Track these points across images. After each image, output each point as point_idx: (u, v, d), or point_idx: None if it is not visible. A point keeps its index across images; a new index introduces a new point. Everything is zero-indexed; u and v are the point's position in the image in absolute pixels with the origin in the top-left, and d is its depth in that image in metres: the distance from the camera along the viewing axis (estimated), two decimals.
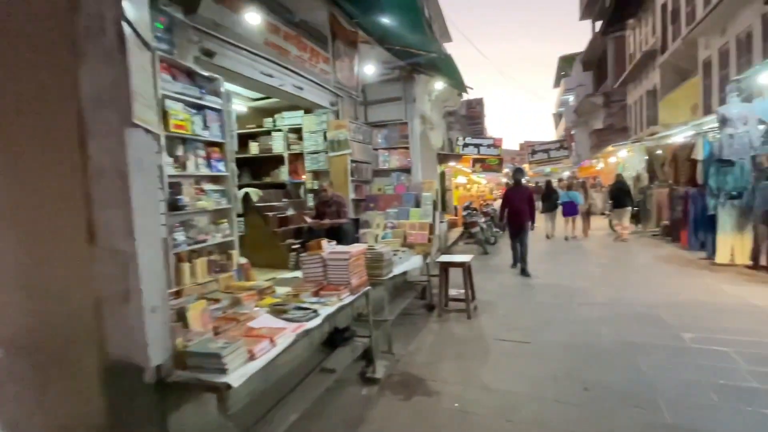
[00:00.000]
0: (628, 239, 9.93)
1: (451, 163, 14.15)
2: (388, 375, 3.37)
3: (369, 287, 3.29)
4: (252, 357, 1.93)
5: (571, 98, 36.26)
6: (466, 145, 13.94)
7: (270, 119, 6.20)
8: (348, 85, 5.10)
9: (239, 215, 5.58)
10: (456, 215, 13.98)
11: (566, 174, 30.74)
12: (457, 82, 7.24)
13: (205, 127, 3.04)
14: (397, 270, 4.06)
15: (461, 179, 17.08)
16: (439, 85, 11.79)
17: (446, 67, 5.66)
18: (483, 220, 9.70)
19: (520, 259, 6.82)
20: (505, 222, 7.10)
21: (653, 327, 4.11)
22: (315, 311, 2.56)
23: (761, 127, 5.84)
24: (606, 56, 27.66)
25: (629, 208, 10.18)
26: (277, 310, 2.59)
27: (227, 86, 3.92)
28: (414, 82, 6.04)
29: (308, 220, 4.60)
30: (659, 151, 10.41)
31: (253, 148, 6.30)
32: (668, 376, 3.08)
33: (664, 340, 3.77)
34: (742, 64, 8.41)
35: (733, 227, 6.16)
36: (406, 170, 5.84)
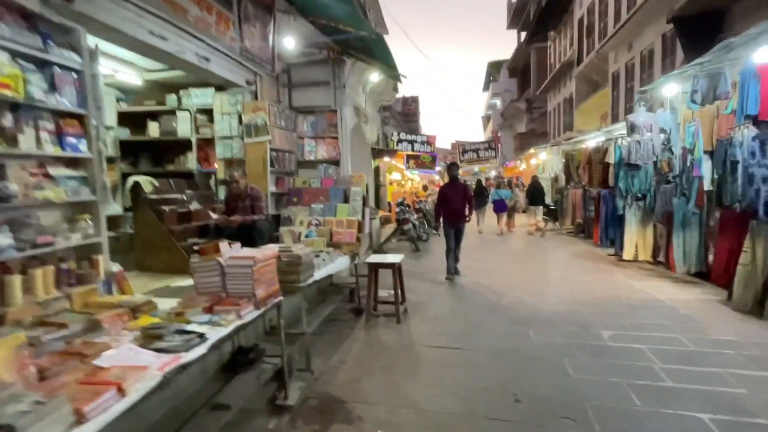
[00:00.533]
0: (542, 234, 10.95)
1: (386, 159, 13.90)
2: (304, 399, 2.89)
3: (281, 297, 2.77)
4: (81, 419, 1.32)
5: (498, 102, 38.52)
6: (400, 141, 13.80)
7: (174, 96, 5.26)
8: (261, 58, 4.42)
9: (127, 209, 4.65)
10: (390, 211, 13.84)
11: (493, 173, 32.61)
12: (390, 69, 6.88)
13: (51, 90, 2.24)
14: (319, 274, 3.58)
15: (396, 175, 17.03)
16: (374, 77, 11.44)
17: (379, 51, 5.26)
18: (415, 216, 9.58)
19: (453, 258, 6.36)
20: (441, 222, 6.42)
21: (575, 326, 4.15)
22: (201, 335, 1.99)
23: (662, 135, 6.37)
24: (529, 65, 29.74)
25: (541, 207, 11.52)
26: (149, 336, 1.96)
27: (103, 46, 3.09)
28: (344, 66, 5.55)
29: (214, 216, 3.89)
30: (574, 155, 11.21)
31: (153, 130, 5.31)
32: (593, 379, 3.04)
33: (585, 339, 3.80)
34: (645, 78, 9.33)
35: (638, 226, 6.70)
36: (335, 162, 5.33)
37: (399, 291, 4.55)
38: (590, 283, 5.85)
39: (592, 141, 9.61)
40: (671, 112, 6.11)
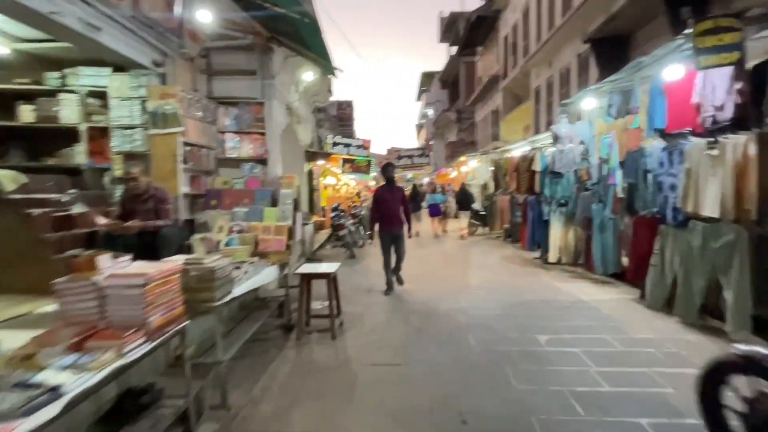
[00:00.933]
0: (467, 238, 11.59)
1: (320, 162, 13.39)
2: None
3: (186, 322, 2.24)
4: None
5: (430, 112, 39.97)
6: (335, 144, 13.41)
7: (56, 74, 4.29)
8: (166, 29, 3.72)
9: None
10: (324, 217, 13.32)
11: (426, 180, 33.63)
12: (324, 62, 6.48)
13: None
14: (240, 289, 3.05)
15: (331, 180, 16.55)
16: (308, 75, 10.94)
17: (312, 39, 4.84)
18: (351, 222, 9.24)
19: (395, 268, 5.80)
20: (376, 230, 5.79)
21: (513, 331, 4.13)
22: (54, 389, 1.42)
23: (581, 146, 6.85)
24: (459, 77, 31.31)
25: (469, 212, 12.40)
26: None
27: None
28: (273, 55, 5.02)
29: (102, 221, 3.14)
30: (502, 163, 11.81)
31: (27, 115, 4.27)
32: (537, 389, 2.95)
33: (524, 345, 3.77)
34: (563, 94, 10.15)
35: (561, 230, 7.11)
36: (262, 161, 4.78)
37: (334, 303, 4.16)
38: (521, 287, 6.01)
39: (518, 150, 10.16)
40: (589, 124, 6.58)
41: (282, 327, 4.29)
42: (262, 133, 4.73)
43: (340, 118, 30.66)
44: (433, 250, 10.04)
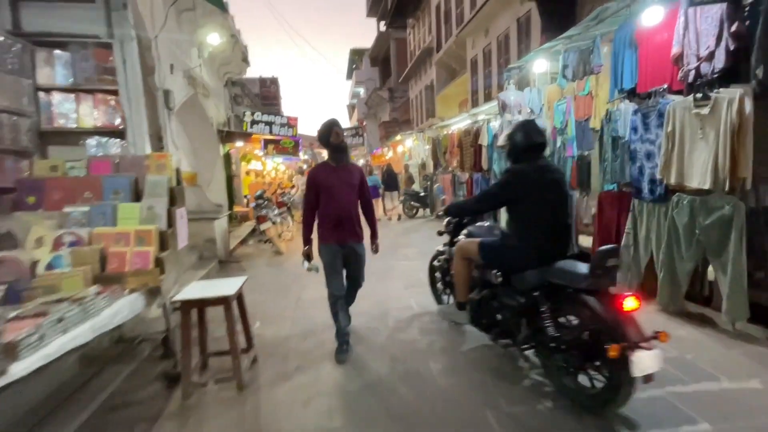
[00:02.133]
0: (389, 218, 11.35)
1: (238, 144, 11.53)
2: None
3: None
4: None
5: (362, 91, 38.49)
6: (255, 123, 11.58)
7: None
8: None
9: None
10: (247, 207, 11.57)
11: (361, 162, 32.50)
12: None
13: None
14: (53, 349, 1.69)
15: (256, 165, 14.61)
16: (213, 38, 9.03)
17: None
18: (277, 212, 7.81)
19: (345, 313, 3.30)
20: (314, 241, 3.29)
21: (484, 337, 3.25)
22: None
23: (531, 115, 6.20)
24: (389, 54, 30.24)
25: (396, 192, 12.47)
26: None
27: None
28: None
29: None
30: (440, 140, 11.07)
31: None
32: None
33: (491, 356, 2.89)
34: (502, 63, 9.56)
35: None
36: (115, 134, 3.21)
37: (243, 331, 2.90)
38: None
39: (458, 125, 9.43)
40: (538, 91, 5.91)
41: (165, 377, 2.92)
42: (113, 92, 3.16)
43: (264, 96, 27.98)
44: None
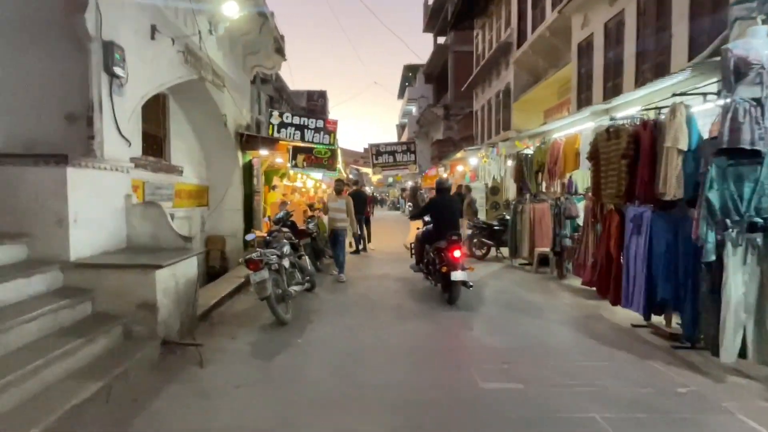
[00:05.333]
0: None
1: (262, 152, 8.98)
2: None
3: None
4: None
5: (414, 109, 36.15)
6: (284, 126, 9.07)
7: None
8: None
9: None
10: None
11: (409, 183, 29.57)
12: None
13: None
14: None
15: (292, 182, 12.08)
16: (228, 7, 6.57)
17: None
18: (286, 249, 4.89)
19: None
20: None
21: None
22: None
23: None
24: (447, 69, 27.71)
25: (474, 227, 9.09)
26: None
27: None
28: None
29: None
30: (532, 155, 7.80)
31: None
32: None
33: None
34: (648, 34, 6.25)
35: (756, 294, 2.99)
36: None
37: None
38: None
39: (575, 127, 6.16)
40: None
41: None
42: None
43: (311, 110, 26.31)
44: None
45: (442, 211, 5.55)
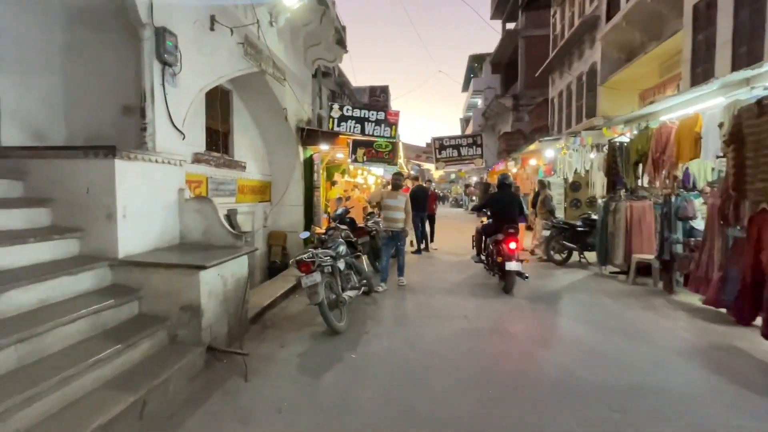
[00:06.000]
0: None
1: (323, 147, 8.79)
2: None
3: None
4: None
5: (479, 101, 34.40)
6: (343, 119, 8.78)
7: None
8: None
9: None
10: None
11: (474, 179, 28.13)
12: None
13: None
14: None
15: (356, 177, 11.86)
16: None
17: None
18: (342, 249, 4.46)
19: None
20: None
21: None
22: None
23: None
24: (516, 58, 25.84)
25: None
26: None
27: None
28: None
29: None
30: (623, 140, 6.53)
31: None
32: None
33: None
34: None
35: None
36: None
37: None
38: None
39: (693, 106, 4.90)
40: None
41: None
42: None
43: (372, 107, 26.22)
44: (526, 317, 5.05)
45: (500, 206, 5.83)
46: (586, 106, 11.71)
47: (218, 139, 6.77)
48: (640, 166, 6.17)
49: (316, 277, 3.61)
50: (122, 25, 3.54)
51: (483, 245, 6.37)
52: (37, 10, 3.60)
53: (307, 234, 4.63)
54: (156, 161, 3.51)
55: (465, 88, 40.33)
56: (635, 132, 6.35)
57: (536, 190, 9.34)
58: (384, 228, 5.88)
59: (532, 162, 13.21)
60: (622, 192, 6.66)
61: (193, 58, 4.12)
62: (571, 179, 9.50)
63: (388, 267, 5.83)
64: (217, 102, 6.62)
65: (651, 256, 5.82)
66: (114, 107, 3.67)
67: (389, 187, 6.37)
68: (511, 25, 27.34)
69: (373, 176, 15.09)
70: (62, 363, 2.27)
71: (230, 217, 7.29)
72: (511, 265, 5.08)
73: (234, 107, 7.15)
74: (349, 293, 4.12)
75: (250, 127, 7.74)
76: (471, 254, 7.03)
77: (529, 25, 22.35)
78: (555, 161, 10.69)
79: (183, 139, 3.98)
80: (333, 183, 10.34)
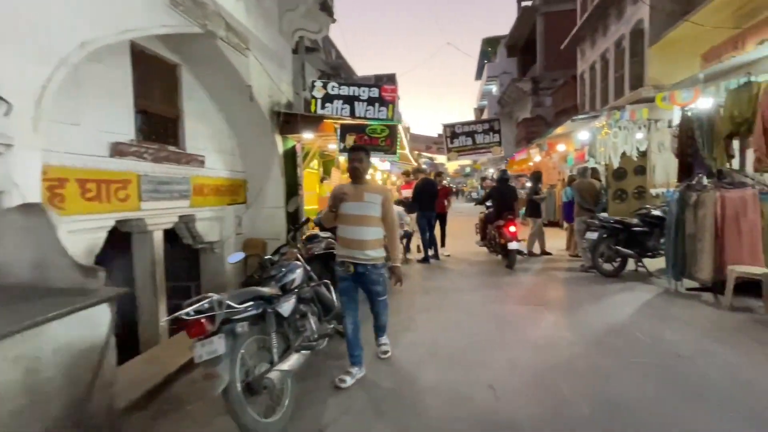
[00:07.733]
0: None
1: (305, 135, 7.08)
2: None
3: None
4: None
5: (494, 88, 32.12)
6: (329, 99, 7.07)
7: None
8: None
9: None
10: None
11: (491, 171, 25.89)
12: None
13: None
14: None
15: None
16: None
17: None
18: (294, 276, 2.77)
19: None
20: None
21: None
22: None
23: None
24: (534, 37, 23.69)
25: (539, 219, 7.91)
26: None
27: None
28: None
29: None
30: (705, 108, 4.60)
31: None
32: None
33: None
34: None
35: None
36: None
37: None
38: None
39: None
40: None
41: None
42: None
43: (364, 84, 24.46)
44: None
45: (500, 198, 7.04)
46: (630, 76, 9.63)
47: (163, 127, 5.20)
48: (738, 139, 4.28)
49: (217, 345, 1.95)
50: None
51: (485, 231, 7.65)
52: None
53: (238, 257, 3.00)
54: None
55: (478, 75, 37.98)
56: (724, 92, 4.44)
57: (565, 179, 7.62)
58: (339, 258, 2.94)
59: (561, 147, 11.26)
60: (705, 179, 4.75)
61: None
62: (616, 164, 7.56)
63: (359, 333, 2.98)
64: (156, 78, 5.03)
65: (760, 270, 3.96)
66: None
67: (348, 178, 3.07)
68: (527, 3, 25.14)
69: (380, 172, 13.33)
70: None
71: (188, 226, 5.74)
72: (513, 245, 6.34)
73: (184, 86, 5.52)
74: (289, 363, 2.35)
75: (211, 111, 6.11)
76: (506, 279, 6.30)
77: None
78: (593, 144, 8.74)
79: (6, 113, 2.36)
80: (322, 180, 8.67)
